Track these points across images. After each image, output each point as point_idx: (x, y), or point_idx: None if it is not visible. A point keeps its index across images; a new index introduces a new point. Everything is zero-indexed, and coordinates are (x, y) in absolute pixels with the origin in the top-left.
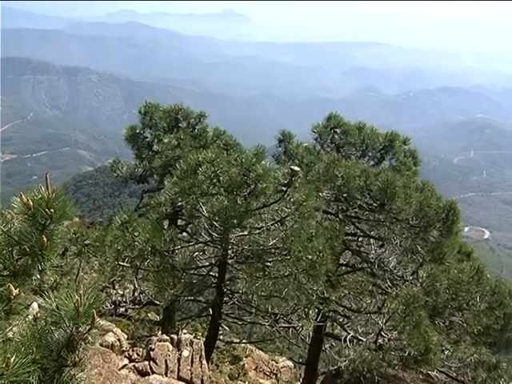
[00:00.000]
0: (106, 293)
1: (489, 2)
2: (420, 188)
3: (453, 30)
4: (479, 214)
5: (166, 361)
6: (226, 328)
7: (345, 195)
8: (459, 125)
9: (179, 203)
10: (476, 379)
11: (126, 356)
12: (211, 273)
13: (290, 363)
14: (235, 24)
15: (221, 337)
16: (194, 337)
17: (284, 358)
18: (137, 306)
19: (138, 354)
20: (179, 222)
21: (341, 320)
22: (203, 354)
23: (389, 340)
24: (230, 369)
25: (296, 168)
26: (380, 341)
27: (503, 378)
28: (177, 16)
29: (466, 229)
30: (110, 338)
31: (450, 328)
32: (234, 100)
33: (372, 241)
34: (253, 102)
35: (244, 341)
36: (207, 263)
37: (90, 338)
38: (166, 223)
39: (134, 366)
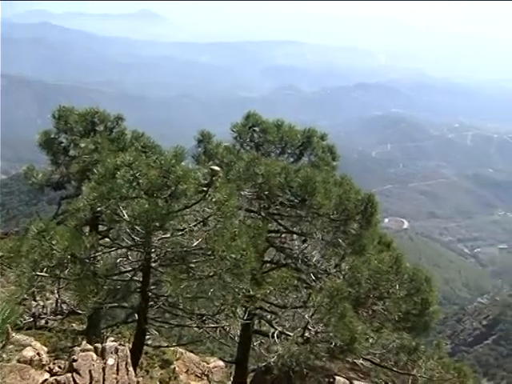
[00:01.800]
0: (25, 305)
1: (404, 2)
2: (339, 182)
3: (369, 29)
4: (397, 205)
5: (90, 371)
6: (155, 332)
7: (266, 193)
8: (375, 119)
9: (99, 208)
10: (398, 363)
11: (46, 370)
12: (135, 277)
13: (221, 363)
14: (152, 24)
15: (150, 341)
16: (120, 344)
17: (215, 358)
18: (59, 317)
19: (59, 367)
20: (100, 228)
21: (268, 317)
22: (129, 360)
23: (316, 333)
24: (161, 373)
25: (216, 168)
26: (307, 334)
27: (422, 359)
28: (91, 16)
29: (386, 220)
30: (28, 352)
31: (373, 316)
32: (152, 101)
33: (295, 236)
34: (172, 103)
35: (173, 344)
36: (131, 268)
37: (4, 355)
38: (86, 229)
39: (55, 379)
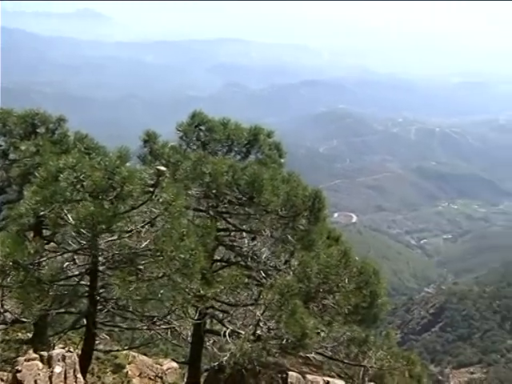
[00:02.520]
0: None
1: (348, 2)
2: (286, 179)
3: (313, 27)
4: (346, 200)
5: (35, 381)
6: (106, 337)
7: (214, 191)
8: (322, 115)
9: (42, 212)
10: (349, 355)
11: None
12: (82, 282)
13: (175, 364)
14: (96, 24)
15: (101, 346)
16: (68, 351)
17: (168, 359)
18: (2, 326)
19: (1, 380)
20: (45, 233)
21: (220, 315)
22: (77, 367)
23: (268, 330)
24: (113, 378)
25: (162, 168)
26: (259, 332)
27: (372, 350)
28: (33, 15)
29: (335, 215)
30: None
31: (324, 311)
32: (98, 102)
33: (244, 234)
34: (118, 103)
35: (125, 348)
36: (78, 272)
37: None
38: (30, 235)
39: None
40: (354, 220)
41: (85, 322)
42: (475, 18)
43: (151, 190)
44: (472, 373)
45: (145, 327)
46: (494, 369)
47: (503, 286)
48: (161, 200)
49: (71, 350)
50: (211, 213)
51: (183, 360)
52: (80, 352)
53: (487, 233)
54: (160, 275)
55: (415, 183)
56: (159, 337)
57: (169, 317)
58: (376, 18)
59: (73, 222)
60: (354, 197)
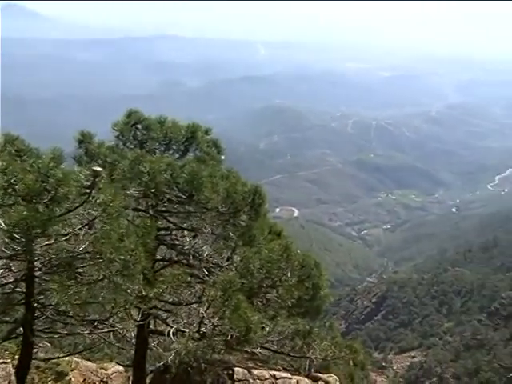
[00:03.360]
0: None
1: None
2: (226, 176)
3: (249, 22)
4: (287, 194)
5: None
6: (48, 344)
7: (153, 190)
8: (261, 111)
9: None
10: (295, 347)
11: None
12: (18, 289)
13: (120, 368)
14: (21, 20)
15: (41, 354)
16: (3, 362)
17: (113, 363)
18: None
19: None
20: None
21: (163, 315)
22: (13, 378)
23: (212, 327)
24: None
25: (98, 168)
26: (203, 329)
27: (316, 342)
28: None
29: (277, 210)
30: None
31: (267, 305)
32: (31, 102)
33: (186, 232)
34: (52, 103)
35: (67, 354)
36: (13, 279)
37: None
38: None
39: None
40: (295, 214)
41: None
42: (401, 15)
43: (88, 191)
44: (413, 357)
45: (86, 332)
46: (433, 351)
47: (440, 272)
48: (98, 201)
49: (6, 360)
50: (151, 212)
51: (129, 363)
52: (17, 362)
53: (424, 221)
54: (100, 278)
55: (354, 176)
56: (102, 341)
57: (111, 320)
58: (311, 14)
59: (5, 228)
60: (295, 191)
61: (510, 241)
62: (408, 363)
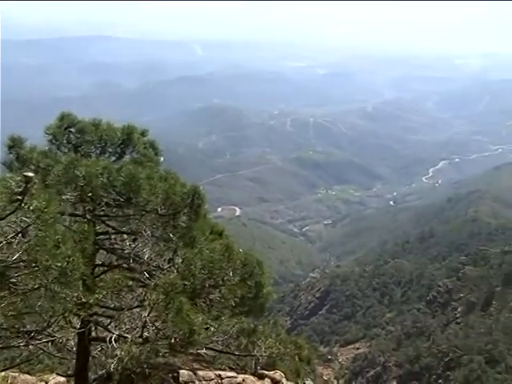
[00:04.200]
0: None
1: None
2: (164, 177)
3: (183, 21)
4: (229, 194)
5: None
6: None
7: (89, 195)
8: (199, 111)
9: None
10: (240, 346)
11: None
12: None
13: (62, 378)
14: None
15: None
16: None
17: (54, 374)
18: None
19: None
20: None
21: (105, 321)
22: None
23: (156, 331)
24: None
25: (29, 174)
26: (146, 333)
27: (261, 339)
28: None
29: (219, 209)
30: None
31: (211, 305)
32: None
33: (125, 236)
34: None
35: (2, 368)
36: None
37: None
38: None
39: None
40: (237, 213)
41: None
42: (336, 14)
43: (20, 197)
44: (358, 348)
45: (23, 344)
46: (376, 341)
47: (380, 264)
48: (31, 208)
49: None
50: (88, 217)
51: (69, 373)
52: None
53: (363, 215)
54: (36, 287)
55: (294, 173)
56: (41, 352)
57: (50, 329)
58: (246, 13)
59: None
60: (237, 190)
61: (445, 231)
62: (353, 355)
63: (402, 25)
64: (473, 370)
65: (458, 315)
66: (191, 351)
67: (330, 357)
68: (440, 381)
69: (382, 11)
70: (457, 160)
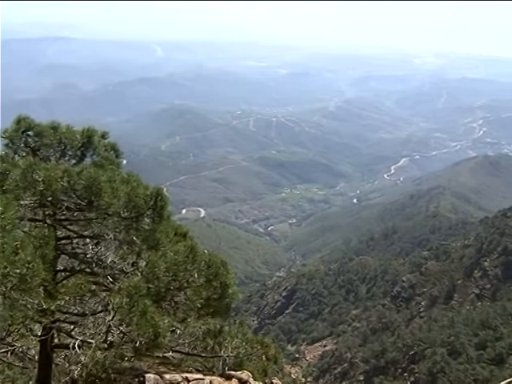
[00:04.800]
0: None
1: None
2: (126, 180)
3: (146, 23)
4: (193, 195)
5: None
6: None
7: (49, 199)
8: (161, 113)
9: None
10: (206, 348)
11: None
12: None
13: None
14: None
15: None
16: None
17: None
18: None
19: None
20: None
21: (68, 328)
22: None
23: (121, 335)
24: None
25: None
26: (110, 338)
27: (227, 340)
28: None
29: (184, 211)
30: None
31: (177, 308)
32: None
33: (88, 240)
34: None
35: None
36: None
37: None
38: None
39: None
40: (202, 214)
41: None
42: (296, 15)
43: None
44: (325, 346)
45: None
46: (343, 338)
47: (345, 262)
48: None
49: None
50: (49, 222)
51: (31, 383)
52: None
53: (328, 214)
54: None
55: (258, 173)
56: (1, 362)
57: (9, 338)
58: (205, 13)
59: None
60: (201, 191)
61: (408, 227)
62: (320, 352)
63: (361, 25)
64: (436, 362)
65: (421, 309)
66: (157, 354)
67: (297, 355)
68: (405, 374)
69: (342, 11)
70: (417, 157)
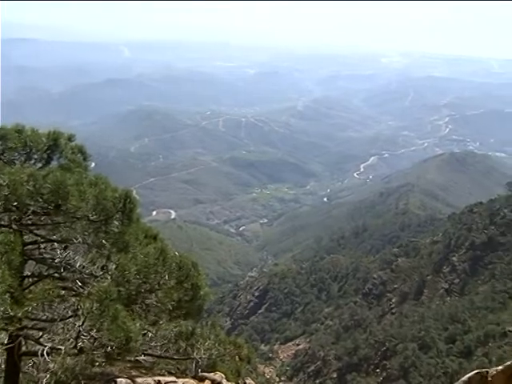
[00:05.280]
0: None
1: None
2: (94, 182)
3: (111, 23)
4: (163, 197)
5: None
6: None
7: (15, 204)
8: (130, 114)
9: None
10: (179, 350)
11: None
12: None
13: None
14: None
15: None
16: None
17: None
18: None
19: None
20: None
21: (36, 335)
22: None
23: (92, 340)
24: None
25: None
26: (80, 344)
27: (200, 342)
28: None
29: (154, 213)
30: None
31: (148, 311)
32: None
33: (56, 244)
34: None
35: None
36: None
37: None
38: None
39: None
40: (173, 216)
41: None
42: (261, 14)
43: None
44: (298, 344)
45: None
46: (316, 337)
47: (317, 261)
48: None
49: None
50: (15, 227)
51: None
52: None
53: (299, 213)
54: None
55: (229, 173)
56: None
57: None
58: (173, 14)
59: None
60: (171, 193)
61: (378, 224)
62: (293, 351)
63: (328, 24)
64: (407, 357)
65: (392, 306)
66: (129, 358)
67: (271, 355)
68: (377, 370)
69: (308, 11)
70: (386, 155)
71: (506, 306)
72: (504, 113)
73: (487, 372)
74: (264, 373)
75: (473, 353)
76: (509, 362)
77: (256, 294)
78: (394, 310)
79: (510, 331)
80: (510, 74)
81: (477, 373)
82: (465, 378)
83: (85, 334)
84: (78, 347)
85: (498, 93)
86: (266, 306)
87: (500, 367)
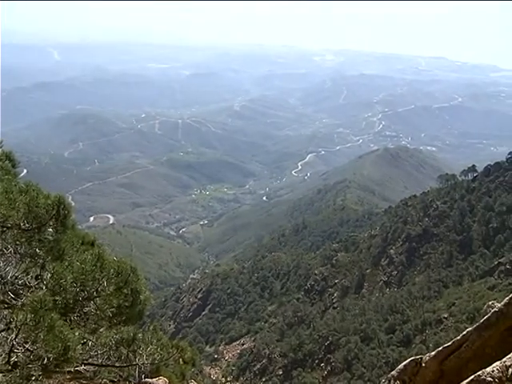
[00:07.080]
0: None
1: None
2: (24, 190)
3: (40, 26)
4: (100, 202)
5: None
6: None
7: None
8: (62, 119)
9: None
10: (120, 357)
11: None
12: None
13: None
14: None
15: None
16: None
17: None
18: None
19: None
20: None
21: None
22: None
23: (27, 353)
24: None
25: None
26: (14, 358)
27: (141, 347)
28: None
29: (92, 218)
30: None
31: (87, 319)
32: None
33: None
34: None
35: None
36: None
37: None
38: None
39: None
40: (111, 221)
41: None
42: (194, 16)
43: None
44: (243, 344)
45: None
46: (260, 335)
47: (259, 259)
48: None
49: None
50: None
51: None
52: None
53: (239, 213)
54: None
55: (167, 175)
56: None
57: None
58: (102, 16)
59: None
60: (108, 197)
61: (317, 221)
62: (239, 351)
63: (260, 24)
64: (350, 349)
65: (334, 300)
66: (68, 369)
67: (216, 356)
68: (322, 364)
69: (242, 11)
70: (323, 152)
71: (441, 295)
72: (432, 108)
73: (421, 359)
74: (210, 374)
75: (412, 341)
76: (440, 348)
77: (199, 295)
78: (335, 305)
79: (444, 318)
80: (435, 70)
81: (411, 360)
82: (401, 366)
83: (19, 347)
84: (12, 362)
85: (427, 89)
86: (209, 307)
87: (433, 353)
